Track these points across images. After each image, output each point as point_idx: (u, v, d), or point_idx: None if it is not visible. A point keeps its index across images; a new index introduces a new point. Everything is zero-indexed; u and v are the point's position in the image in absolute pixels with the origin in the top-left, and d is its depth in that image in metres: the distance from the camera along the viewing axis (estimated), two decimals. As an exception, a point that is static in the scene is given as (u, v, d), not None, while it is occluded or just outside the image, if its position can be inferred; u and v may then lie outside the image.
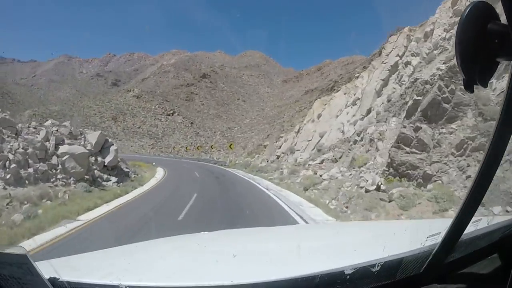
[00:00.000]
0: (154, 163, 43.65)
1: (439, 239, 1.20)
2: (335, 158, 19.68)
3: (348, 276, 1.19)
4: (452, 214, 8.17)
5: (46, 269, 1.15)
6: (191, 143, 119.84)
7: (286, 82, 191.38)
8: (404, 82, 20.55)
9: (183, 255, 2.07)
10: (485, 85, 0.81)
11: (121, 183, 21.02)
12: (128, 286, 1.14)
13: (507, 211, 7.86)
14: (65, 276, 1.18)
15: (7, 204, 11.76)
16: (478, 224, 1.48)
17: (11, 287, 1.01)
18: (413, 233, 1.83)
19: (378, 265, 1.22)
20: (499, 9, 0.77)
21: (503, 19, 0.73)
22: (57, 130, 20.19)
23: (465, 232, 1.13)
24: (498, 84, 11.50)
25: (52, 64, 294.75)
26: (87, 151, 19.54)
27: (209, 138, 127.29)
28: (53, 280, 1.12)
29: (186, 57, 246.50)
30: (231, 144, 45.22)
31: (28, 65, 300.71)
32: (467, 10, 0.77)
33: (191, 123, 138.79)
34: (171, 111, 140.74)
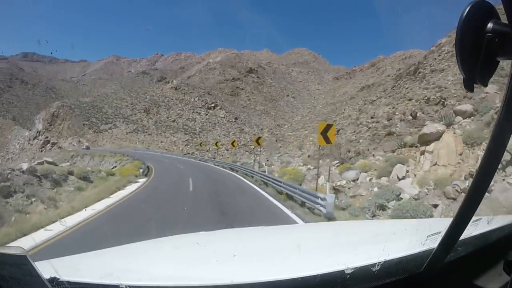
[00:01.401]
0: (141, 171, 24.20)
1: (439, 238, 1.16)
2: None
3: (348, 276, 1.17)
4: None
5: (46, 269, 1.13)
6: (234, 140, 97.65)
7: (338, 79, 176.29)
8: None
9: (183, 254, 2.00)
10: (485, 84, 0.79)
11: None
12: (128, 286, 1.11)
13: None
14: (65, 276, 1.15)
15: None
16: (478, 224, 1.46)
17: (11, 287, 0.98)
18: (413, 233, 1.74)
19: (378, 265, 1.19)
20: (499, 7, 0.74)
21: (503, 18, 0.71)
22: None
23: (465, 232, 1.09)
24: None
25: (101, 64, 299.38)
26: None
27: (255, 135, 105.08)
28: (53, 280, 1.09)
29: (232, 54, 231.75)
30: (332, 132, 16.80)
31: (79, 65, 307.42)
32: (467, 9, 0.75)
33: (235, 118, 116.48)
34: (213, 104, 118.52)
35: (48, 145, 76.45)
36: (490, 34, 0.73)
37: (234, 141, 36.68)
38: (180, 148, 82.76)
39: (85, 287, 1.14)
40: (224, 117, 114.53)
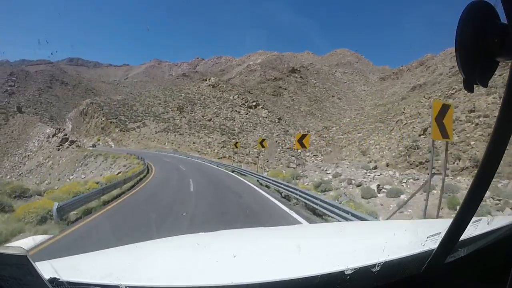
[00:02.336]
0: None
1: (439, 239, 1.14)
2: None
3: (348, 277, 1.14)
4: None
5: (47, 269, 1.10)
6: (278, 142, 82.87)
7: (384, 79, 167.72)
8: None
9: (183, 255, 1.92)
10: (485, 85, 0.76)
11: None
12: (128, 286, 1.09)
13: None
14: (65, 276, 1.12)
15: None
16: (478, 224, 1.43)
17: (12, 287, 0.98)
18: (413, 233, 1.75)
19: (378, 265, 1.17)
20: (499, 8, 0.72)
21: (503, 18, 0.70)
22: None
23: (465, 232, 1.06)
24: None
25: (143, 68, 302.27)
26: None
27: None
28: (53, 281, 1.07)
29: (273, 56, 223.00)
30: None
31: (122, 68, 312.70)
32: (467, 9, 0.73)
33: (279, 118, 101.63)
34: (254, 103, 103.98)
35: (66, 143, 65.06)
36: (490, 35, 0.71)
37: (306, 136, 18.64)
38: (215, 151, 68.44)
39: (85, 287, 1.11)
40: (266, 117, 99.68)
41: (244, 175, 22.96)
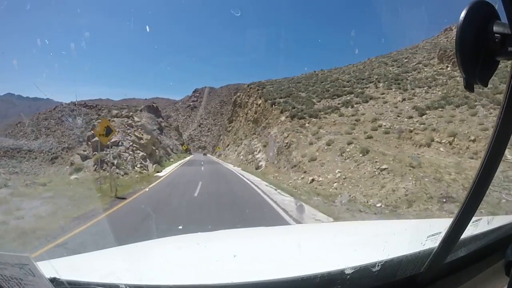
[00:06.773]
0: None
1: (439, 239, 1.04)
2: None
3: (348, 276, 1.05)
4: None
5: (47, 269, 1.01)
6: None
7: None
8: None
9: (184, 254, 1.79)
10: (485, 84, 0.70)
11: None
12: (128, 286, 1.00)
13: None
14: (66, 276, 1.03)
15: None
16: (478, 224, 1.33)
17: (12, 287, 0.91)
18: (413, 233, 1.67)
19: (378, 265, 1.07)
20: (499, 8, 0.67)
21: (503, 18, 0.65)
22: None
23: (465, 232, 0.98)
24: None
25: None
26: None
27: None
28: (53, 280, 0.98)
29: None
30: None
31: None
32: (467, 9, 0.67)
33: None
34: None
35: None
36: (490, 34, 0.66)
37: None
38: None
39: (85, 287, 1.02)
40: None
41: None
